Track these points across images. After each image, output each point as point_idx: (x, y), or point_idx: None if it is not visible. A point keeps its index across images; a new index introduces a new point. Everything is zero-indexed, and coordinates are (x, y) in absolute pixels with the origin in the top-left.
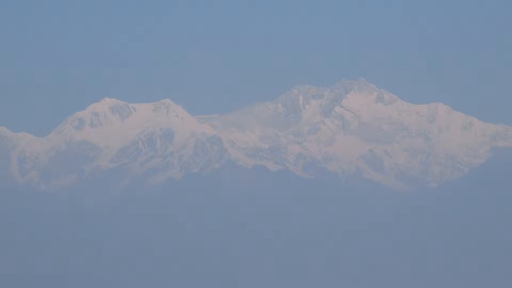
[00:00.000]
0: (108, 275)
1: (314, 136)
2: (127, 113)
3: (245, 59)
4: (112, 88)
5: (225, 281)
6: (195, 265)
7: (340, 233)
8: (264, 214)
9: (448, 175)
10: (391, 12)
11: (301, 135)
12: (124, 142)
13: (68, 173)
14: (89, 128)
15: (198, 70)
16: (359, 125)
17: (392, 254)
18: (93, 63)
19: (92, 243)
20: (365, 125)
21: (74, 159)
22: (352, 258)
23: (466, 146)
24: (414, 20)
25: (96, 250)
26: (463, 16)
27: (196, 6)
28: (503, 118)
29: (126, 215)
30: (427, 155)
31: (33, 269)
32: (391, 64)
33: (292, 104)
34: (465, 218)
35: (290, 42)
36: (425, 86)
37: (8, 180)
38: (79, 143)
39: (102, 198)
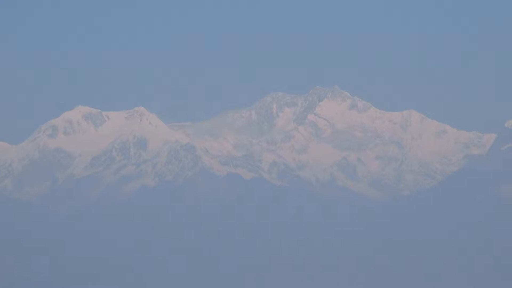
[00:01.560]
0: (81, 283)
1: (288, 144)
2: (100, 121)
3: (219, 67)
4: (85, 96)
5: None
6: (169, 274)
7: (314, 240)
8: (238, 223)
9: (422, 183)
10: (363, 19)
11: (274, 143)
12: (97, 150)
13: (41, 181)
14: (63, 136)
15: (171, 78)
16: (332, 133)
17: (365, 262)
18: (67, 71)
19: (65, 250)
20: (339, 133)
21: (47, 167)
22: (325, 265)
23: (439, 153)
24: (387, 27)
25: (70, 258)
26: (435, 21)
27: (169, 14)
28: (477, 126)
29: (100, 223)
30: (400, 162)
31: (6, 276)
32: (365, 71)
33: (265, 112)
34: (439, 226)
35: (264, 49)
36: (399, 93)
37: None
38: (53, 151)
39: (76, 205)
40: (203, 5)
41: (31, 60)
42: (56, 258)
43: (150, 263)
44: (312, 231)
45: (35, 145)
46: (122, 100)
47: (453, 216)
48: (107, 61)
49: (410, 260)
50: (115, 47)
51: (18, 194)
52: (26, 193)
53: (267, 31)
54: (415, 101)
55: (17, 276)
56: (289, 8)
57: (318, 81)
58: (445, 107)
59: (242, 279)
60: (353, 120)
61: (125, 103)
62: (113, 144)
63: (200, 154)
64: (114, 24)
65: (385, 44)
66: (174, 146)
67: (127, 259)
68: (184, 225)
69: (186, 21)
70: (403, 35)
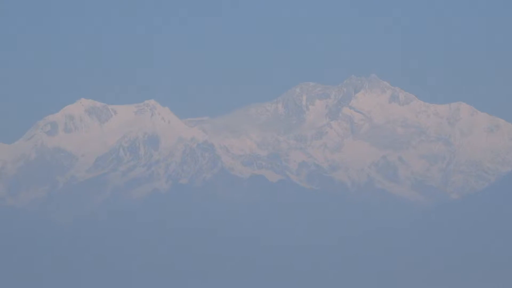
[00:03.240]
0: None
1: (320, 141)
2: (106, 116)
3: (240, 54)
4: (89, 88)
5: None
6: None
7: (350, 251)
8: (263, 230)
9: (472, 185)
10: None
11: (304, 140)
12: (103, 149)
13: (39, 185)
14: (63, 134)
15: (187, 67)
16: (370, 129)
17: (408, 275)
18: (67, 60)
19: (66, 263)
20: (377, 129)
21: (46, 169)
22: (362, 279)
23: (492, 151)
24: (433, 10)
25: (71, 271)
26: (489, 10)
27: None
28: None
29: (105, 233)
30: (447, 162)
31: None
32: (407, 58)
33: (294, 105)
34: (492, 233)
35: (292, 34)
36: (446, 83)
37: None
38: (52, 150)
39: (78, 213)
40: None
41: (26, 48)
42: (55, 273)
43: (165, 279)
44: (347, 239)
45: (31, 144)
46: (131, 92)
47: (508, 222)
48: (114, 49)
49: (459, 271)
50: (123, 32)
51: (12, 201)
52: (21, 199)
53: (296, 13)
54: (465, 92)
55: None
56: None
57: (354, 70)
58: (498, 99)
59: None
60: (393, 114)
61: (134, 95)
62: (120, 143)
63: (220, 154)
64: (124, 8)
65: (430, 27)
66: (190, 144)
67: (137, 273)
68: (202, 234)
69: (205, 5)
70: (451, 18)
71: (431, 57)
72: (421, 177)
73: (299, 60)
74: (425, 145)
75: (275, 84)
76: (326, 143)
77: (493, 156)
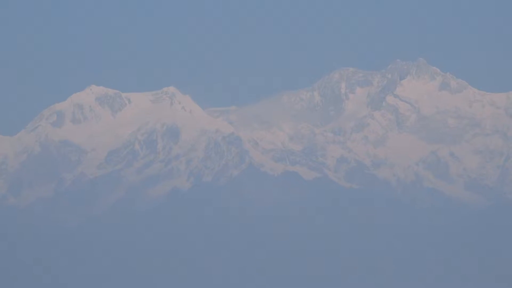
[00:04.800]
0: None
1: (361, 134)
2: (119, 105)
3: (271, 35)
4: (100, 73)
5: None
6: None
7: (396, 254)
8: (297, 233)
9: None
10: None
11: (343, 133)
12: (115, 143)
13: (43, 182)
14: (71, 125)
15: (210, 50)
16: (418, 120)
17: (461, 281)
18: (76, 42)
19: (74, 267)
20: (426, 120)
21: (51, 165)
22: (412, 283)
23: None
24: None
25: (80, 277)
26: None
27: None
28: None
29: (119, 236)
30: (505, 158)
31: None
32: (459, 41)
33: (332, 93)
34: None
35: (329, 15)
36: (503, 69)
37: None
38: (58, 144)
39: (88, 214)
40: None
41: (30, 30)
42: (62, 278)
43: (191, 278)
44: (392, 242)
45: (35, 136)
46: (148, 78)
47: None
48: (127, 30)
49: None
50: (139, 13)
51: (14, 200)
52: (24, 198)
53: None
54: None
55: None
56: None
57: (399, 54)
58: None
59: None
60: (444, 104)
61: (151, 82)
62: (135, 135)
63: (248, 148)
64: None
65: (486, 6)
66: (214, 137)
67: (154, 279)
68: (228, 237)
69: None
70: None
71: (486, 40)
72: (476, 175)
73: (337, 42)
74: (480, 139)
75: (310, 69)
76: (368, 136)
77: None
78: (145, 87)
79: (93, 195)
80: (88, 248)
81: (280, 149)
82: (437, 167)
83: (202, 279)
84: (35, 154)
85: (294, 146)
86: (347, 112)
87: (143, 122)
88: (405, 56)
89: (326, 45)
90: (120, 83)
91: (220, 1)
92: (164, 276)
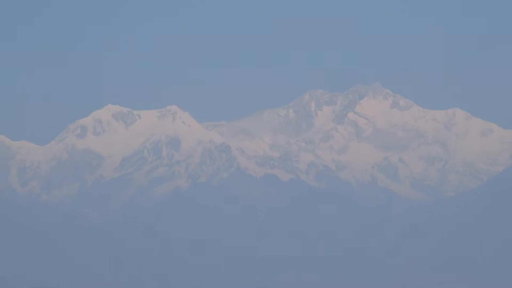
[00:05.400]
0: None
1: (327, 144)
2: (131, 120)
3: (254, 63)
4: (115, 94)
5: None
6: (201, 279)
7: (355, 243)
8: (275, 225)
9: (466, 184)
10: (405, 15)
11: (313, 143)
12: (128, 151)
13: (70, 183)
14: (92, 136)
15: (205, 75)
16: (373, 132)
17: (407, 264)
18: (96, 68)
19: (96, 255)
20: (380, 132)
21: (76, 169)
22: (367, 267)
23: (485, 153)
24: (429, 23)
25: (100, 262)
26: (481, 18)
27: (203, 8)
28: None
29: (131, 226)
30: (444, 163)
31: (37, 283)
32: (407, 68)
33: (303, 110)
34: (484, 229)
35: (302, 45)
36: (442, 91)
37: (7, 191)
38: (81, 151)
39: (106, 208)
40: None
41: (58, 59)
42: (87, 264)
43: (187, 268)
44: (352, 234)
45: (63, 146)
46: (154, 98)
47: (499, 218)
48: (138, 58)
49: (454, 261)
50: (147, 45)
51: (46, 197)
52: (54, 195)
53: (305, 26)
54: (460, 99)
55: (42, 280)
56: (328, 4)
57: (359, 78)
58: (491, 105)
59: (282, 277)
60: (394, 119)
61: (157, 101)
62: (144, 145)
63: (236, 155)
64: (146, 19)
65: (428, 40)
66: (208, 146)
67: (157, 261)
68: (220, 227)
69: (219, 18)
70: (447, 32)
71: (429, 66)
72: (420, 176)
73: (308, 69)
74: (424, 147)
75: (286, 91)
76: (332, 145)
77: (486, 158)
78: (152, 106)
79: (110, 193)
80: (106, 236)
81: (261, 155)
82: (389, 170)
83: (201, 254)
84: (63, 160)
85: (273, 153)
86: (316, 126)
87: (151, 134)
88: (364, 80)
89: (299, 72)
90: (132, 103)
91: (207, 38)
92: (164, 253)
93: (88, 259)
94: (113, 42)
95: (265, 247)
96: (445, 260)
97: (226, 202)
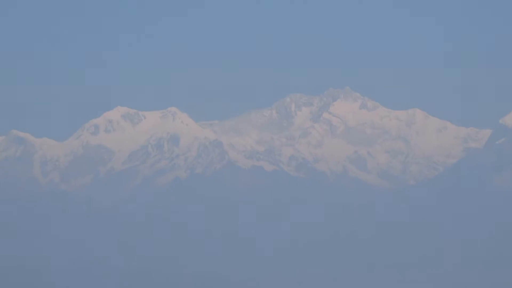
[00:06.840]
0: (122, 265)
1: (305, 140)
2: (137, 120)
3: (243, 71)
4: (124, 97)
5: (225, 281)
6: (198, 263)
7: (329, 226)
8: (261, 210)
9: (425, 174)
10: (370, 24)
11: (293, 139)
12: (135, 146)
13: (85, 174)
14: (104, 134)
15: (201, 80)
16: (345, 130)
17: (373, 244)
18: (107, 74)
19: (106, 236)
20: (351, 130)
21: (90, 162)
22: (341, 246)
23: (441, 147)
24: (391, 31)
25: (110, 242)
26: (434, 22)
27: (194, 15)
28: (474, 122)
29: (137, 211)
30: (406, 156)
31: (59, 264)
32: (374, 73)
33: (285, 111)
34: (441, 212)
35: (284, 53)
36: (404, 93)
37: (32, 181)
38: (95, 147)
39: (116, 196)
40: (225, 7)
41: (75, 68)
42: (99, 243)
43: (187, 248)
44: (326, 217)
45: (79, 142)
46: (157, 101)
47: (453, 203)
48: (144, 66)
49: (415, 240)
50: (148, 47)
51: (64, 186)
52: (72, 185)
53: (285, 37)
54: (419, 100)
55: (63, 260)
56: (300, 11)
57: (332, 83)
58: (446, 106)
59: (274, 266)
60: (363, 118)
61: (160, 103)
62: (149, 141)
63: (227, 149)
64: (150, 29)
65: (391, 46)
66: (204, 142)
67: (159, 243)
68: (214, 211)
69: (208, 25)
70: (408, 38)
71: (393, 71)
72: (385, 167)
73: (289, 76)
74: (388, 142)
75: (270, 94)
76: (310, 141)
77: (441, 151)
78: (155, 107)
79: (119, 183)
80: (116, 219)
81: (249, 150)
82: (359, 162)
83: (199, 236)
84: (79, 155)
85: (259, 148)
86: (296, 124)
87: (154, 132)
88: (337, 85)
89: (282, 77)
90: (138, 104)
91: (207, 39)
92: (166, 237)
93: (100, 240)
94: (114, 45)
95: (248, 229)
96: (407, 240)
97: (219, 190)
